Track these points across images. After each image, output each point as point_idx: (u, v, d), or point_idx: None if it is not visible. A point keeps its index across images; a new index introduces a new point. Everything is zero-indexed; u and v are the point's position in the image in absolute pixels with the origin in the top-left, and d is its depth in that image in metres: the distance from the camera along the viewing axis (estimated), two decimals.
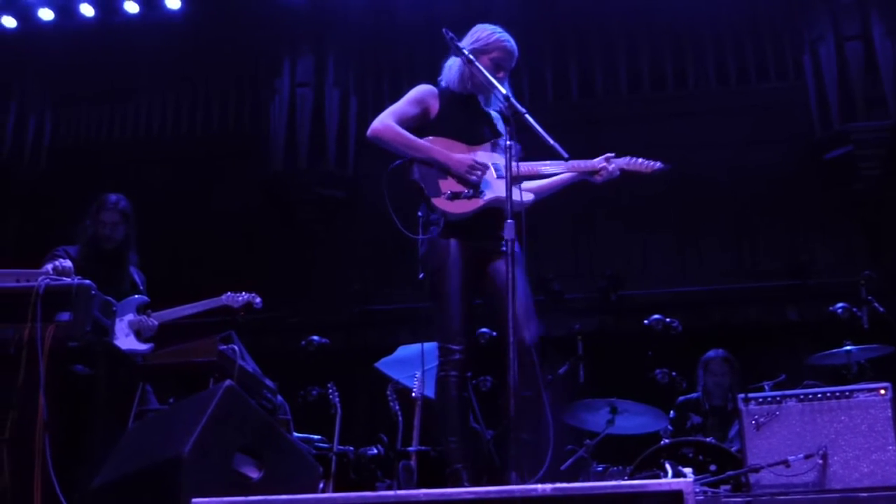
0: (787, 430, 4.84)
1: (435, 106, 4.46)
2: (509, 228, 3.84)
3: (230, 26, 10.19)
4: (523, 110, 4.05)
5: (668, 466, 5.32)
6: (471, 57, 4.27)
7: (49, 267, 4.89)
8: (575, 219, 9.16)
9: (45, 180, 10.42)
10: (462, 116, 4.46)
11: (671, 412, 6.60)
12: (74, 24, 10.21)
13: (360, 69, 10.20)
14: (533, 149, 4.22)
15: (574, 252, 9.29)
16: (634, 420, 6.36)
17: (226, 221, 9.93)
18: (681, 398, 6.74)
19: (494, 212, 4.19)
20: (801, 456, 4.71)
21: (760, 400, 4.97)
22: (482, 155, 4.36)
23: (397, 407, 6.77)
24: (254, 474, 3.80)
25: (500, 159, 4.31)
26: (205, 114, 10.52)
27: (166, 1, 10.06)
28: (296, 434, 6.52)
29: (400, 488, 5.83)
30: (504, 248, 3.84)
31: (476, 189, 4.27)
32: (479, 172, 4.28)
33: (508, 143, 4.01)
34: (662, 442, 5.95)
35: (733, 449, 5.65)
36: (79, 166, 10.27)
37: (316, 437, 7.03)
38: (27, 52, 10.37)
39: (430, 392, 6.43)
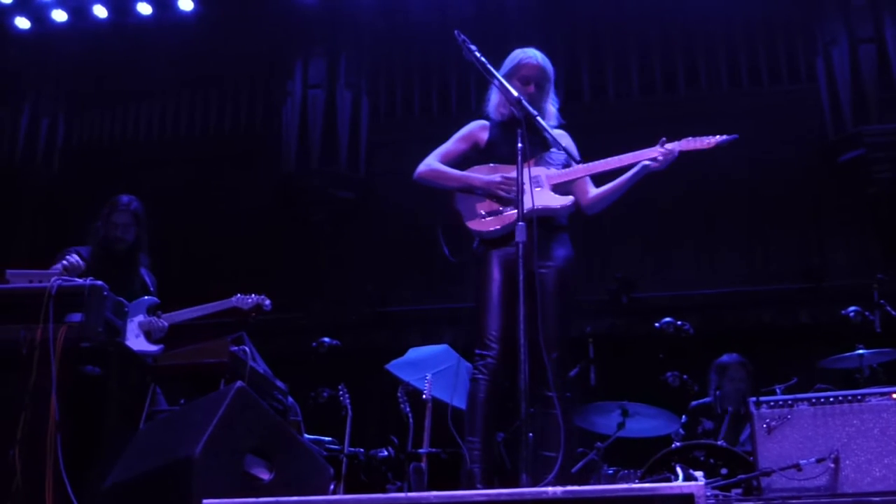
0: (799, 434, 4.82)
1: (483, 137, 4.67)
2: (520, 231, 3.87)
3: (242, 28, 10.21)
4: (535, 113, 4.14)
5: (679, 470, 5.30)
6: (482, 59, 4.27)
7: (59, 266, 4.90)
8: (587, 220, 9.14)
9: (58, 181, 10.46)
10: (506, 139, 4.53)
11: (683, 417, 6.57)
12: (87, 26, 10.25)
13: (372, 71, 10.21)
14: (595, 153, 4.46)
15: (586, 254, 9.27)
16: (645, 423, 6.35)
17: (238, 222, 9.95)
18: (694, 403, 6.70)
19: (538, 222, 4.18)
20: (812, 460, 4.68)
21: (772, 403, 4.94)
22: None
23: (408, 409, 6.78)
24: (264, 476, 3.80)
25: (543, 171, 4.48)
26: (217, 115, 10.54)
27: (179, 2, 10.09)
28: (306, 436, 6.52)
29: (410, 490, 5.84)
30: (551, 263, 4.26)
31: (509, 203, 4.39)
32: (507, 187, 4.41)
33: (520, 145, 4.07)
34: (673, 445, 5.93)
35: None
36: (91, 167, 10.31)
37: (327, 438, 7.03)
38: (40, 53, 10.41)
39: (440, 394, 6.45)
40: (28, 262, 4.89)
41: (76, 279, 4.62)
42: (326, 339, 7.94)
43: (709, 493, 4.70)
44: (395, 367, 6.78)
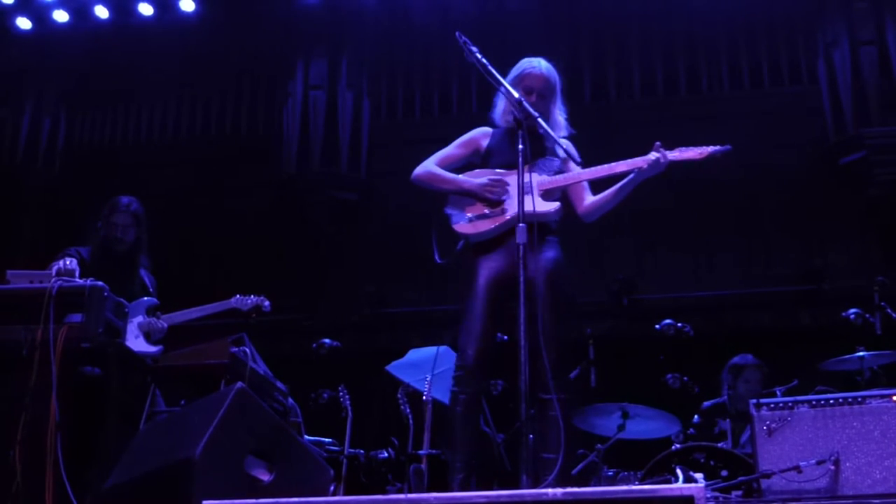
0: (799, 436, 4.82)
1: (484, 143, 4.71)
2: (521, 232, 3.87)
3: (244, 28, 10.21)
4: (536, 114, 4.13)
5: (679, 471, 5.30)
6: (483, 60, 4.26)
7: (53, 268, 4.89)
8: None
9: (60, 182, 10.44)
10: (505, 146, 4.58)
11: (695, 417, 6.55)
12: (89, 26, 10.25)
13: (373, 72, 10.20)
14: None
15: (586, 255, 9.27)
16: (646, 424, 6.34)
17: (238, 223, 9.94)
18: (706, 403, 6.68)
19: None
20: (812, 462, 4.68)
21: (772, 405, 4.94)
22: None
23: (408, 410, 6.78)
24: (265, 477, 3.81)
25: (534, 177, 4.42)
26: (218, 116, 10.53)
27: (180, 3, 10.10)
28: (307, 437, 6.52)
29: (411, 492, 5.84)
30: (539, 266, 4.14)
31: (497, 206, 4.43)
32: (496, 189, 4.45)
33: (520, 146, 4.08)
34: (674, 447, 5.93)
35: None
36: (93, 168, 10.29)
37: (327, 440, 7.03)
38: (42, 53, 10.41)
39: (440, 395, 6.44)
40: (29, 263, 4.89)
41: (76, 280, 4.62)
42: (327, 341, 7.95)
43: (709, 495, 4.70)
44: (395, 368, 6.78)
